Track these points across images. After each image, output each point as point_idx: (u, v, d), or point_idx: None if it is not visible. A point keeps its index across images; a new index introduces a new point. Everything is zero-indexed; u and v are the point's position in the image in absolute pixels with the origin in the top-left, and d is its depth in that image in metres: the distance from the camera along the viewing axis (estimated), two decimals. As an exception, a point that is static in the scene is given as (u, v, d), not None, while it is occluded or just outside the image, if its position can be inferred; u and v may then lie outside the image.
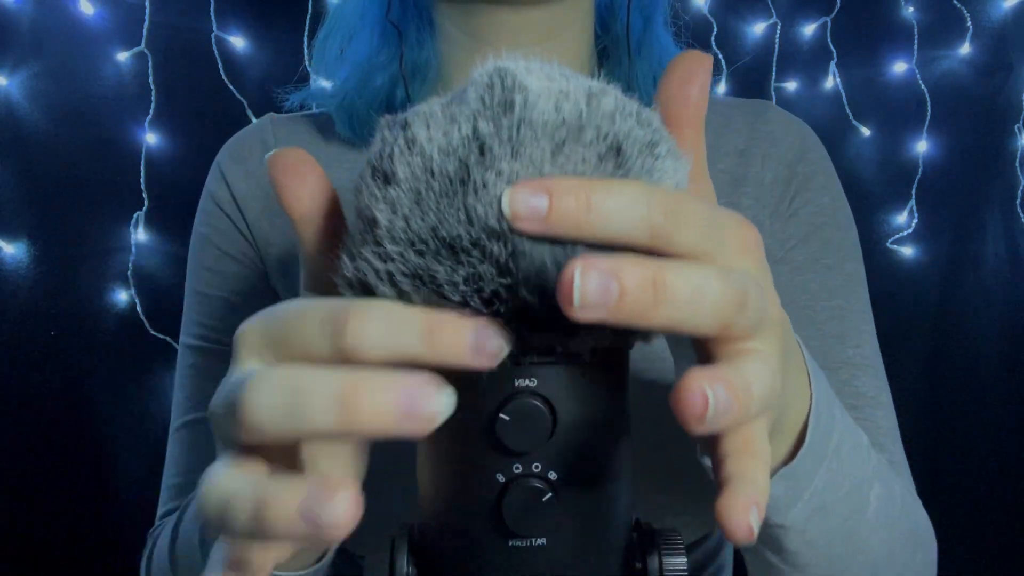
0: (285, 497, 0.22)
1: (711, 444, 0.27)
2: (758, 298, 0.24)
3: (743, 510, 0.24)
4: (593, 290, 0.21)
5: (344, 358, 0.23)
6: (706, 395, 0.22)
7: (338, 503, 0.22)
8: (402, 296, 0.25)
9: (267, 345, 0.26)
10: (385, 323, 0.23)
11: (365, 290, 0.26)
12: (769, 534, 0.40)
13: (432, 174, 0.25)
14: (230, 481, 0.25)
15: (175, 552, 0.50)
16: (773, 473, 0.37)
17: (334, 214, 0.29)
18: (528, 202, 0.23)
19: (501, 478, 0.26)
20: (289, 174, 0.28)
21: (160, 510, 0.61)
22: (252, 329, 0.26)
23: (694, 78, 0.27)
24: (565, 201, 0.23)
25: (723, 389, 0.22)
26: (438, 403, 0.22)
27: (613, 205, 0.23)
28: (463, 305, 0.24)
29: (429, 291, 0.24)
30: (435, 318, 0.23)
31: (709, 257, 0.25)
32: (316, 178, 0.28)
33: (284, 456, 0.26)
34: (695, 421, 0.22)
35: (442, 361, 0.23)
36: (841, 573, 0.43)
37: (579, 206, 0.23)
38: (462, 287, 0.24)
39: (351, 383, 0.22)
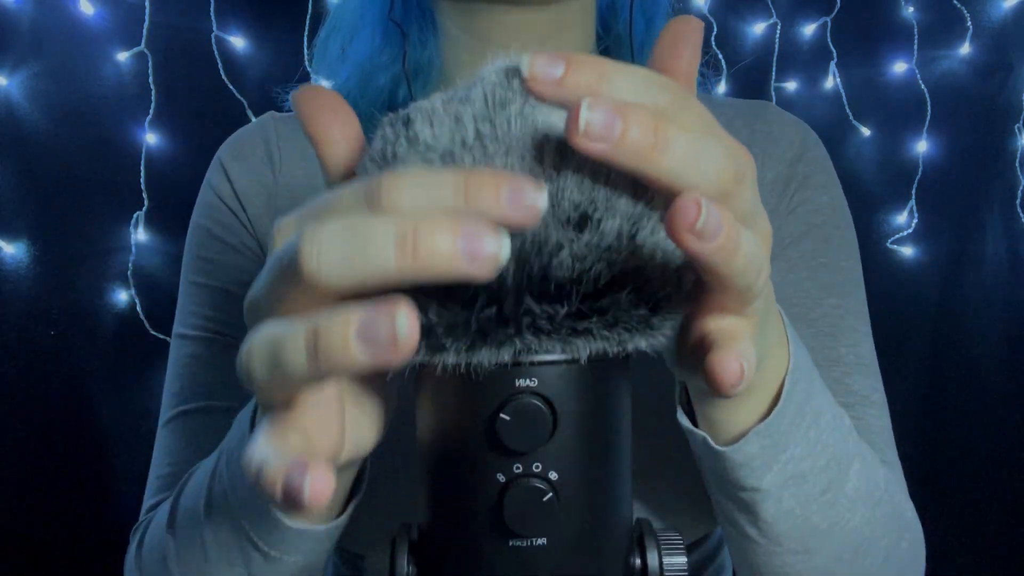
0: (341, 320, 0.22)
1: (695, 327, 0.28)
2: (753, 188, 0.26)
3: (734, 358, 0.26)
4: (598, 121, 0.22)
5: (393, 209, 0.24)
6: (699, 203, 0.22)
7: (400, 320, 0.21)
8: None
9: (292, 224, 0.26)
10: (421, 182, 0.23)
11: None
12: (745, 499, 0.40)
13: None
14: (278, 326, 0.24)
15: (174, 533, 0.48)
16: (750, 429, 0.37)
17: (358, 139, 0.30)
18: (545, 67, 0.24)
19: (501, 478, 0.26)
20: (317, 106, 0.29)
21: (146, 503, 0.58)
22: (288, 220, 0.27)
23: (687, 39, 0.28)
24: (581, 69, 0.24)
25: (716, 210, 0.23)
26: (498, 245, 0.22)
27: (624, 80, 0.24)
28: (472, 300, 0.25)
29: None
30: (470, 173, 0.23)
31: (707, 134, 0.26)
32: (343, 109, 0.29)
33: None
34: (687, 231, 0.23)
35: (481, 213, 0.23)
36: (819, 548, 0.42)
37: (593, 75, 0.24)
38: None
39: (411, 225, 0.22)
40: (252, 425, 0.40)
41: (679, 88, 0.26)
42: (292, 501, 0.23)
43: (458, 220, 0.22)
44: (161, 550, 0.48)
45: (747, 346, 0.27)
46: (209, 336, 0.59)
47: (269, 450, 0.25)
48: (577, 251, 0.24)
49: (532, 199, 0.23)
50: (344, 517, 0.39)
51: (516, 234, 0.24)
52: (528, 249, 0.24)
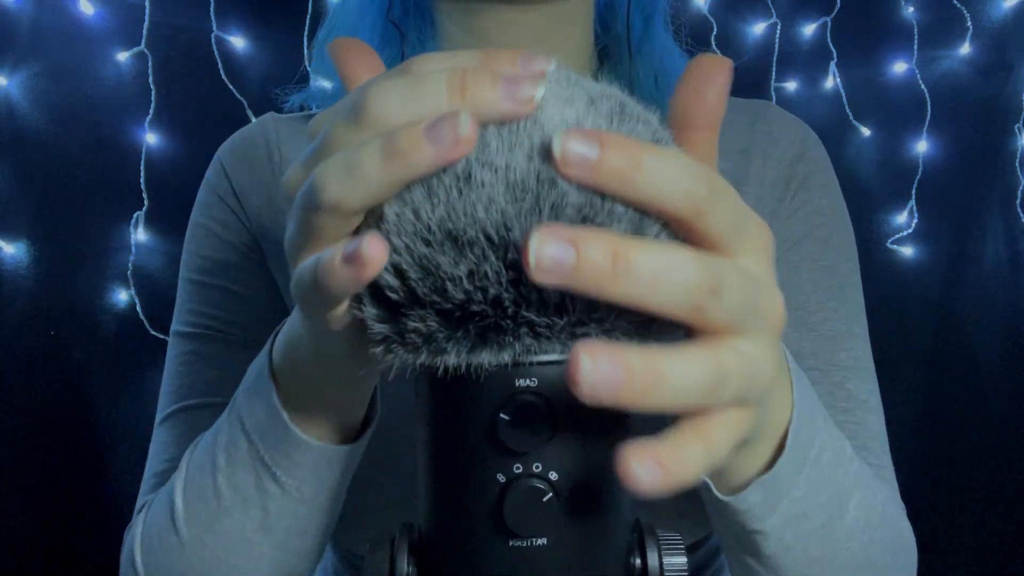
0: (411, 126, 0.24)
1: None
2: (742, 291, 0.24)
3: (645, 458, 0.23)
4: (550, 254, 0.22)
5: (371, 130, 0.26)
6: (581, 361, 0.22)
7: (463, 119, 0.23)
8: (406, 284, 0.25)
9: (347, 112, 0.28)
10: (405, 85, 0.25)
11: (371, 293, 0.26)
12: (748, 539, 0.40)
13: (443, 170, 0.25)
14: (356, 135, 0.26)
15: (184, 507, 0.45)
16: (753, 480, 0.37)
17: None
18: (578, 148, 0.23)
19: (501, 478, 0.26)
20: (350, 53, 0.30)
21: (140, 500, 0.56)
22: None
23: (712, 81, 0.27)
24: (616, 155, 0.23)
25: (608, 361, 0.22)
26: (536, 88, 0.24)
27: (662, 168, 0.23)
28: (466, 303, 0.25)
29: (434, 281, 0.25)
30: (465, 70, 0.25)
31: (732, 245, 0.25)
32: (372, 57, 0.31)
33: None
34: (576, 378, 0.22)
35: (478, 105, 0.25)
36: (819, 574, 0.43)
37: (629, 162, 0.23)
38: (465, 285, 0.24)
39: (461, 75, 0.25)
40: (271, 370, 0.40)
41: (714, 177, 0.25)
42: (353, 258, 0.24)
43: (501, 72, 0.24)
44: (169, 516, 0.46)
45: (692, 457, 0.24)
46: (208, 333, 0.59)
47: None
48: None
49: (527, 92, 0.24)
50: (360, 443, 0.40)
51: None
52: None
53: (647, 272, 0.23)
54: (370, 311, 0.27)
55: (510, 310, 0.25)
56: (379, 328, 0.26)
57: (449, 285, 0.25)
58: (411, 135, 0.24)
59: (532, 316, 0.25)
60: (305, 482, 0.41)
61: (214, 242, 0.61)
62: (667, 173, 0.24)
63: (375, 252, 0.24)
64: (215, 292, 0.60)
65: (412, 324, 0.25)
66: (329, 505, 0.43)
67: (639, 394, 0.22)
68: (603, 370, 0.22)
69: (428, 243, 0.25)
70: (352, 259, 0.24)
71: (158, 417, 0.59)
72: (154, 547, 0.47)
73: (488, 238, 0.24)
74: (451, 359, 0.26)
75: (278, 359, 0.40)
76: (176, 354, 0.60)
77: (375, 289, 0.26)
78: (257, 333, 0.60)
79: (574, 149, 0.23)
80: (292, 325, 0.39)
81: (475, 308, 0.25)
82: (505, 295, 0.25)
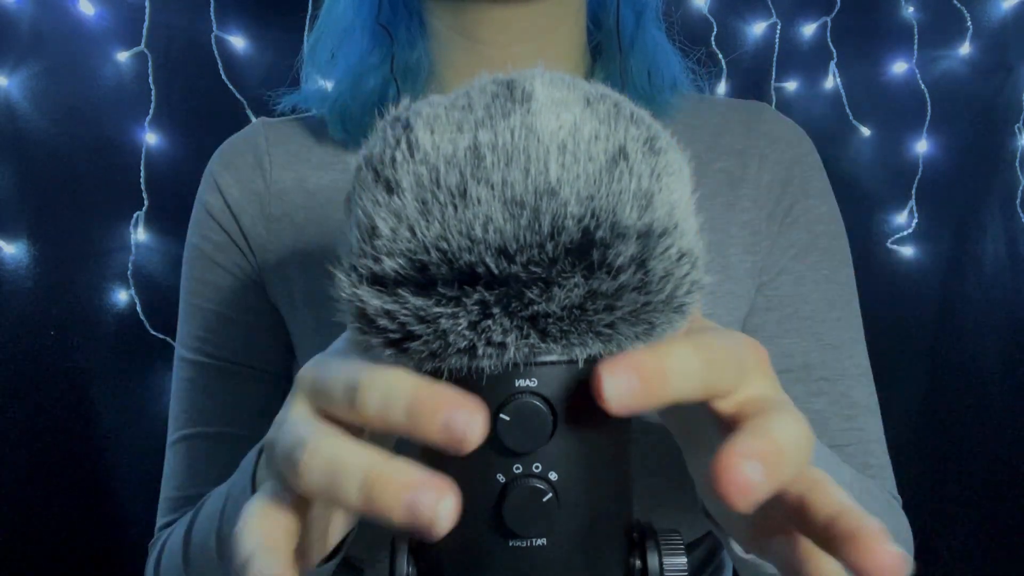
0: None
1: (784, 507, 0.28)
2: (727, 356, 0.27)
3: (884, 541, 0.24)
4: (620, 386, 0.25)
5: (362, 423, 0.27)
6: (747, 476, 0.23)
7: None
8: (405, 333, 0.25)
9: (312, 396, 0.29)
10: (380, 399, 0.25)
11: (365, 319, 0.26)
12: (750, 564, 0.41)
13: (438, 184, 0.25)
14: (339, 449, 0.26)
15: (189, 559, 0.50)
16: None
17: None
18: (622, 387, 0.25)
19: (501, 478, 0.26)
20: None
21: (159, 521, 0.61)
22: (305, 378, 0.29)
23: (738, 504, 0.24)
24: (651, 380, 0.25)
25: (758, 464, 0.23)
26: (437, 512, 0.24)
27: (680, 371, 0.26)
28: (471, 350, 0.25)
29: (433, 334, 0.25)
30: (419, 401, 0.25)
31: (739, 387, 0.28)
32: None
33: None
34: (744, 504, 0.23)
35: (424, 440, 0.25)
36: None
37: (659, 380, 0.25)
38: (467, 333, 0.25)
39: (375, 473, 0.25)
40: (254, 476, 0.41)
41: (718, 350, 0.27)
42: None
43: (409, 481, 0.24)
44: (181, 557, 0.51)
45: (848, 500, 0.26)
46: (202, 360, 0.61)
47: (257, 540, 0.27)
48: (575, 299, 0.25)
49: (469, 436, 0.24)
50: (336, 560, 0.40)
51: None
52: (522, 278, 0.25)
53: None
54: (376, 340, 0.27)
55: (511, 336, 0.25)
56: (386, 351, 0.26)
57: (452, 338, 0.25)
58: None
59: (534, 340, 0.25)
60: None
61: (208, 264, 0.62)
62: (684, 373, 0.26)
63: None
64: (209, 317, 0.61)
65: (415, 347, 0.26)
66: None
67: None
68: (622, 382, 0.24)
69: (424, 266, 0.25)
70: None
71: (169, 437, 0.63)
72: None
73: (489, 271, 0.24)
74: (452, 361, 0.26)
75: (262, 476, 0.41)
76: (179, 377, 0.63)
77: (371, 321, 0.26)
78: (251, 360, 0.61)
79: (619, 385, 0.25)
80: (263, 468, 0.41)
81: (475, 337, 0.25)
82: (504, 322, 0.25)
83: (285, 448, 0.27)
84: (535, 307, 0.24)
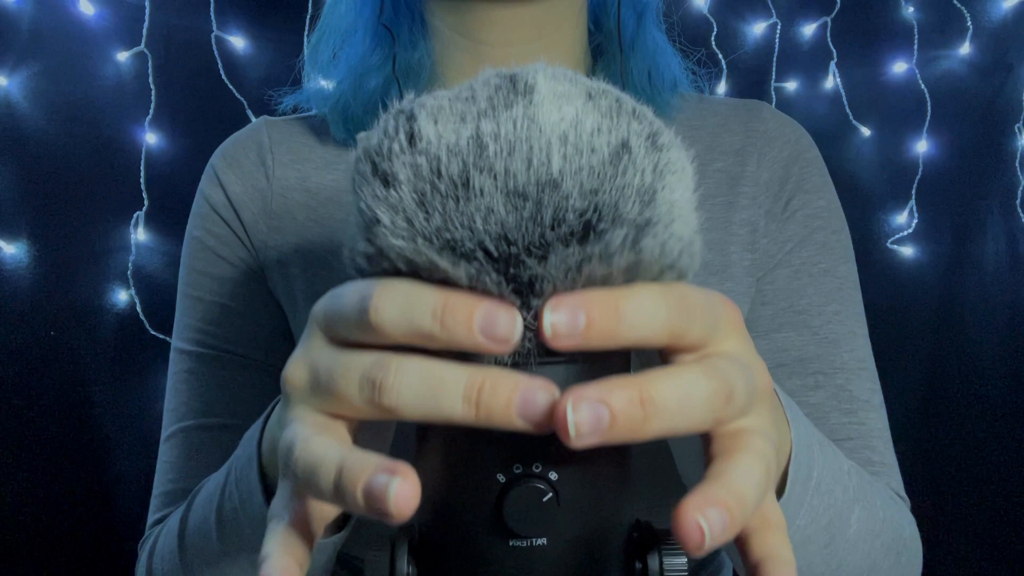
0: (356, 470, 0.24)
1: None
2: (745, 382, 0.26)
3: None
4: (586, 420, 0.23)
5: (374, 336, 0.25)
6: (700, 526, 0.23)
7: (392, 489, 0.23)
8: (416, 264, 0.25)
9: (326, 325, 0.28)
10: (402, 303, 0.25)
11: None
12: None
13: (439, 175, 0.24)
14: (318, 445, 0.26)
15: (184, 544, 0.49)
16: None
17: None
18: (567, 323, 0.24)
19: (501, 478, 0.26)
20: None
21: (151, 517, 0.60)
22: (317, 310, 0.29)
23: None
24: (600, 319, 0.24)
25: (716, 512, 0.23)
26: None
27: (640, 311, 0.24)
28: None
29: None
30: (449, 298, 0.24)
31: (713, 340, 0.26)
32: None
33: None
34: (697, 550, 0.23)
35: (454, 343, 0.24)
36: None
37: (612, 318, 0.24)
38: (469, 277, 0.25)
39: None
40: (259, 444, 0.41)
41: (685, 294, 0.26)
42: (376, 500, 0.23)
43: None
44: (172, 565, 0.50)
45: (787, 549, 0.26)
46: (204, 351, 0.60)
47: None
48: (571, 263, 0.25)
49: (503, 332, 0.24)
50: (346, 531, 0.41)
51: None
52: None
53: (672, 404, 0.24)
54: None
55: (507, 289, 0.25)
56: None
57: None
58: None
59: (533, 340, 0.25)
60: None
61: (208, 256, 0.61)
62: (645, 314, 0.25)
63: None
64: (210, 308, 0.60)
65: None
66: (321, 572, 0.44)
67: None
68: (563, 318, 0.24)
69: (424, 253, 0.25)
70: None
71: (162, 434, 0.62)
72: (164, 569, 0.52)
73: (487, 252, 0.24)
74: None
75: (266, 453, 0.41)
76: (175, 371, 0.61)
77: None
78: (253, 351, 0.60)
79: (562, 321, 0.24)
80: (272, 430, 0.40)
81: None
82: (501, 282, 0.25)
83: (285, 448, 0.27)
84: (530, 271, 0.25)
